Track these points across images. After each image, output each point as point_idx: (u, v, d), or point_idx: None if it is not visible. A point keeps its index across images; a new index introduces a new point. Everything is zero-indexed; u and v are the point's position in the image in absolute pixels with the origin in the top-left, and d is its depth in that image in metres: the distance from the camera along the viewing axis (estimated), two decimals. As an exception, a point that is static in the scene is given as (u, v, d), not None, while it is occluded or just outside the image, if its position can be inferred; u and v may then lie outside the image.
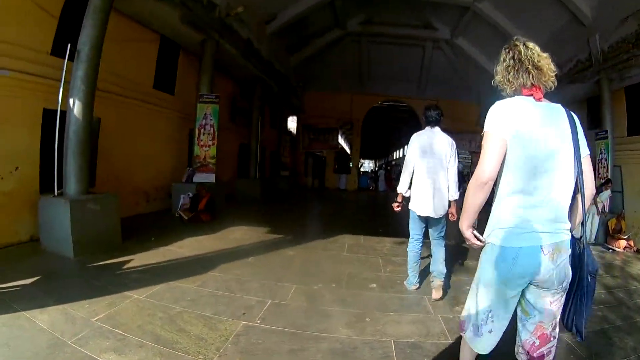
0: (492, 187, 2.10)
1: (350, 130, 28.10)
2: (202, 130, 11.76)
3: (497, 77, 2.33)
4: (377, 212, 15.82)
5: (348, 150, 30.56)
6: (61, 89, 6.56)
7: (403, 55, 23.06)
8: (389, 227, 9.98)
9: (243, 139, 17.81)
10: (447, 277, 5.12)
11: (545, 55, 2.22)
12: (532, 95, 2.15)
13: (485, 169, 2.05)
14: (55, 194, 6.61)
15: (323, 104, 26.66)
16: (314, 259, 6.86)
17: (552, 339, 2.19)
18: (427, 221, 4.77)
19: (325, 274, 5.98)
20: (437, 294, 4.73)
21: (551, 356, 2.21)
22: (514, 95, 2.23)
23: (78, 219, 6.29)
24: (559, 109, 2.18)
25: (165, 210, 11.32)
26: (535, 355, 2.18)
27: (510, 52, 2.26)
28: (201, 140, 11.76)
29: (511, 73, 2.22)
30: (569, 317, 2.19)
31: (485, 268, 2.21)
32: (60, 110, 6.62)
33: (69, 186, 6.69)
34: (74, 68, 6.66)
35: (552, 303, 2.13)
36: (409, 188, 4.76)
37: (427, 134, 4.72)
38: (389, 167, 41.40)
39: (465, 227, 2.20)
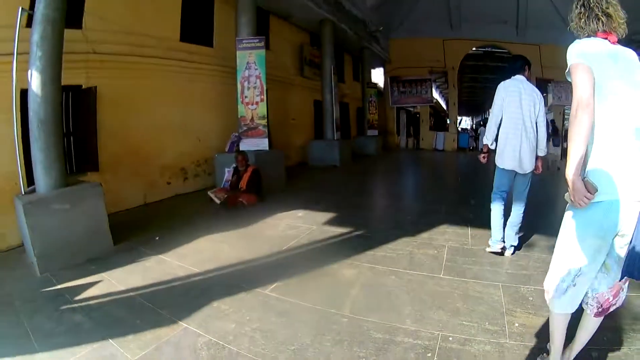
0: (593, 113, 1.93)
1: (444, 81, 24.48)
2: (245, 84, 9.05)
3: (571, 24, 2.32)
4: (485, 179, 11.86)
5: (443, 105, 26.91)
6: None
7: None
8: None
9: (318, 94, 15.09)
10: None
11: (614, 2, 2.18)
12: (606, 38, 2.11)
13: (582, 93, 1.95)
14: (24, 192, 5.10)
15: (411, 52, 22.87)
16: (384, 290, 3.71)
17: (622, 291, 2.19)
18: (512, 177, 4.48)
19: (397, 339, 2.89)
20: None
21: (619, 303, 2.22)
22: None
23: (38, 225, 4.63)
24: (633, 54, 2.11)
25: (209, 188, 8.96)
26: (605, 306, 2.17)
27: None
28: (246, 97, 9.07)
29: (582, 20, 2.22)
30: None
31: (578, 222, 2.05)
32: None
33: (37, 180, 4.99)
34: (31, 32, 4.93)
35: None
36: (495, 140, 4.53)
37: (514, 83, 4.40)
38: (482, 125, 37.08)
39: (573, 172, 1.93)
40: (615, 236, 2.02)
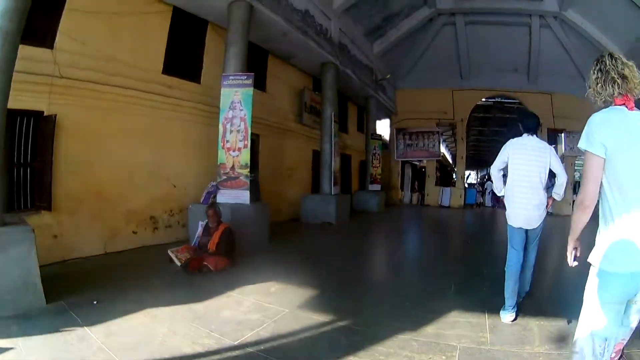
0: (593, 210, 2.18)
1: (451, 134, 23.54)
2: (227, 126, 7.95)
3: (589, 91, 2.36)
4: (497, 242, 10.55)
5: (449, 159, 25.98)
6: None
7: (506, 37, 18.58)
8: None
9: (317, 144, 13.93)
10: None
11: (630, 63, 2.23)
12: (624, 104, 2.17)
13: (585, 195, 2.16)
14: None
15: (418, 103, 22.18)
16: None
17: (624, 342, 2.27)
18: (524, 232, 4.48)
19: None
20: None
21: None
22: (606, 107, 2.25)
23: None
24: None
25: (180, 242, 7.80)
26: (617, 349, 2.23)
27: (598, 64, 2.30)
28: (227, 142, 7.93)
29: (599, 84, 2.26)
30: None
31: (602, 291, 2.14)
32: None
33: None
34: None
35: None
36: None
37: (523, 140, 4.45)
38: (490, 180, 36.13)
39: (571, 240, 2.36)
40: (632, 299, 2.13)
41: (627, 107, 2.13)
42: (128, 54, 7.94)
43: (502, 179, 4.65)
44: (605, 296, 2.11)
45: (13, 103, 5.84)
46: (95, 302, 4.55)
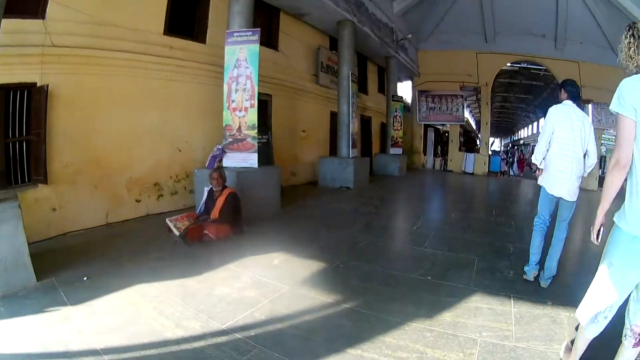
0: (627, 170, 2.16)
1: (475, 99, 22.53)
2: (233, 85, 7.38)
3: (620, 55, 2.33)
4: (524, 214, 9.61)
5: (473, 124, 25.09)
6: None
7: (533, 0, 17.41)
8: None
9: (335, 105, 13.14)
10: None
11: None
12: None
13: (620, 154, 2.14)
14: None
15: (442, 65, 21.11)
16: None
17: None
18: (556, 202, 4.43)
19: None
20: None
21: None
22: (637, 73, 2.21)
23: None
24: None
25: (187, 210, 7.50)
26: None
27: (631, 30, 2.30)
28: (232, 102, 7.38)
29: (632, 49, 2.26)
30: None
31: (619, 255, 2.20)
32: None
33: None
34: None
35: None
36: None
37: (566, 108, 4.34)
38: (517, 147, 35.17)
39: (601, 212, 2.32)
40: None
41: None
42: (126, 16, 7.31)
43: (545, 152, 4.43)
44: (622, 258, 2.17)
45: (5, 77, 5.67)
46: (85, 279, 4.23)
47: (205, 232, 5.77)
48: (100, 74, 6.90)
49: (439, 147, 25.14)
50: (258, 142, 9.73)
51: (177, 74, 8.32)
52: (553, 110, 4.41)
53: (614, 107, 2.21)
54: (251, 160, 7.31)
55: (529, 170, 22.21)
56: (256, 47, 7.29)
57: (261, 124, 10.43)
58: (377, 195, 11.28)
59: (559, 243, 4.38)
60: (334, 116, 13.63)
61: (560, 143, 4.27)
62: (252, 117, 7.27)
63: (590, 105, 18.08)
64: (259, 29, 7.54)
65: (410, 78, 22.25)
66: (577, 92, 4.49)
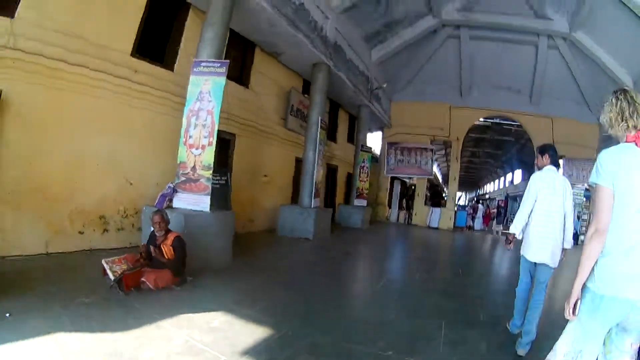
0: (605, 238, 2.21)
1: (443, 153, 22.61)
2: (192, 119, 6.87)
3: (607, 116, 2.37)
4: (496, 274, 9.78)
5: (439, 178, 25.21)
6: None
7: (512, 56, 18.24)
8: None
9: (302, 151, 12.70)
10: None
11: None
12: (634, 142, 2.23)
13: (599, 221, 2.19)
14: None
15: (414, 117, 21.28)
16: None
17: None
18: (536, 266, 4.47)
19: None
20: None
21: None
22: (620, 140, 2.32)
23: None
24: None
25: (132, 248, 6.95)
26: None
27: (623, 94, 2.33)
28: (190, 137, 6.85)
29: (626, 113, 2.29)
30: None
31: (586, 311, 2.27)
32: None
33: None
34: None
35: (632, 345, 2.25)
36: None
37: (552, 175, 4.44)
38: (482, 202, 35.57)
39: (578, 288, 2.28)
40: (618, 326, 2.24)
41: (638, 144, 2.21)
42: (95, 31, 6.93)
43: (526, 221, 4.46)
44: (588, 314, 2.23)
45: None
46: (8, 315, 3.74)
47: (142, 279, 5.11)
48: (56, 88, 6.43)
49: (405, 200, 24.97)
50: (216, 183, 9.18)
51: (138, 100, 7.84)
52: (537, 177, 4.46)
53: (593, 179, 2.27)
54: (203, 203, 6.69)
55: (493, 223, 22.41)
56: (222, 80, 6.82)
57: (222, 163, 9.94)
58: (337, 249, 10.69)
59: (538, 305, 4.34)
60: (299, 162, 13.18)
61: (544, 210, 4.31)
62: (209, 156, 6.70)
63: (562, 161, 18.35)
64: (228, 61, 7.08)
65: (381, 129, 22.21)
66: (557, 158, 4.62)
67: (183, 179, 6.83)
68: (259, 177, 11.87)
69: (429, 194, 25.36)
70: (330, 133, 17.65)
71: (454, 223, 21.70)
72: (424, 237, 17.11)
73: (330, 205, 17.40)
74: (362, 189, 17.59)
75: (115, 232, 7.55)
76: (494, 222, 22.20)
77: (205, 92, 6.85)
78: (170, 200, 6.86)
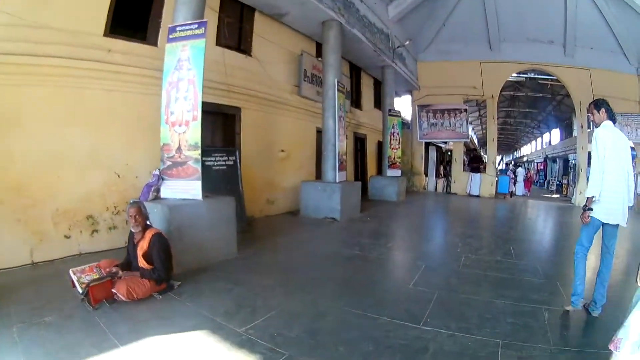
0: None
1: (478, 115, 21.04)
2: (172, 92, 5.87)
3: None
4: (552, 251, 8.18)
5: (475, 142, 23.89)
6: None
7: (541, 3, 16.30)
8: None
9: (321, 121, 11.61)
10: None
11: None
12: None
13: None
14: None
15: (443, 77, 19.72)
16: None
17: None
18: (603, 228, 4.31)
19: None
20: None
21: None
22: None
23: None
24: None
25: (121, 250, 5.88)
26: None
27: None
28: (171, 114, 5.88)
29: None
30: None
31: None
32: None
33: None
34: None
35: None
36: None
37: (612, 130, 4.30)
38: (522, 165, 34.08)
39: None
40: None
41: None
42: (62, 18, 6.25)
43: (601, 182, 4.17)
44: None
45: None
46: None
47: (113, 290, 4.22)
48: (28, 85, 5.90)
49: (442, 167, 23.64)
50: (223, 165, 8.29)
51: (116, 83, 6.99)
52: (602, 133, 4.27)
53: None
54: (193, 190, 5.72)
55: (535, 188, 20.94)
56: (202, 42, 5.74)
57: (228, 142, 9.01)
58: (367, 229, 9.52)
59: (607, 269, 4.27)
60: (320, 133, 11.95)
61: (614, 168, 4.18)
62: (195, 133, 5.68)
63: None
64: (207, 20, 5.99)
65: (410, 92, 20.88)
66: (613, 112, 4.44)
67: (169, 163, 5.87)
68: (275, 153, 10.87)
69: (467, 159, 23.95)
70: (355, 99, 16.61)
71: (496, 189, 20.21)
72: (465, 208, 15.72)
73: (362, 179, 16.35)
74: (394, 158, 16.29)
75: (106, 232, 6.78)
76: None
77: (183, 59, 5.81)
78: (158, 191, 5.92)
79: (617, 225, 4.22)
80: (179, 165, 5.77)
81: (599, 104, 4.45)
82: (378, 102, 18.20)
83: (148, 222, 4.79)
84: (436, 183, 22.17)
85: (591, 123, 15.48)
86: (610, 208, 4.18)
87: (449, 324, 3.94)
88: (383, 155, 16.43)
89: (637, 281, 2.19)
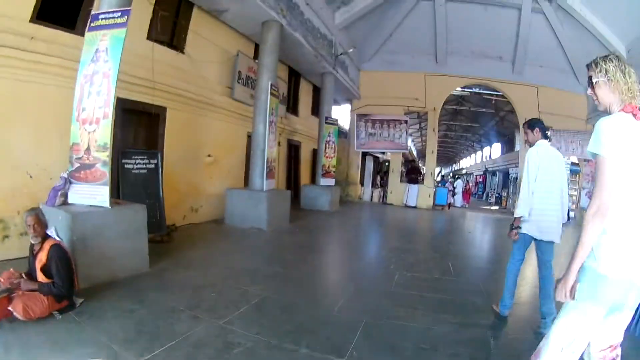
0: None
1: (419, 127, 21.44)
2: (86, 87, 5.43)
3: (611, 76, 2.24)
4: (493, 267, 7.88)
5: (415, 154, 24.37)
6: None
7: (492, 19, 16.68)
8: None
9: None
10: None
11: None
12: (632, 112, 2.17)
13: (606, 198, 2.05)
14: None
15: (386, 87, 19.83)
16: None
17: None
18: (537, 244, 4.52)
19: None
20: None
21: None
22: (612, 108, 2.26)
23: None
24: None
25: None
26: None
27: (616, 61, 2.26)
28: (83, 109, 5.42)
29: (626, 77, 2.22)
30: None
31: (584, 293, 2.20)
32: None
33: None
34: None
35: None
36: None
37: (545, 149, 4.46)
38: (461, 177, 35.35)
39: (574, 271, 2.15)
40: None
41: (634, 115, 2.15)
42: None
43: (532, 201, 4.34)
44: (599, 300, 2.13)
45: None
46: None
47: (9, 308, 3.76)
48: None
49: (379, 178, 23.83)
50: (143, 168, 7.89)
51: (32, 74, 6.40)
52: (534, 153, 4.41)
53: (594, 148, 2.13)
54: (100, 196, 5.29)
55: (474, 199, 21.62)
56: (122, 32, 5.32)
57: (150, 144, 8.58)
58: (294, 242, 9.16)
59: (550, 282, 4.32)
60: (251, 138, 11.66)
61: (545, 186, 4.31)
62: (105, 132, 5.24)
63: (548, 133, 17.70)
64: (130, 8, 5.59)
65: (349, 101, 20.89)
66: (546, 131, 4.63)
67: (77, 165, 5.41)
68: (202, 157, 10.42)
69: (404, 170, 24.27)
70: (292, 106, 16.42)
71: (434, 201, 20.59)
72: (401, 219, 15.77)
73: (294, 187, 16.14)
74: (328, 167, 16.18)
75: (17, 239, 6.19)
76: None
77: (101, 50, 5.38)
78: (65, 195, 5.44)
79: (552, 241, 4.38)
80: (87, 168, 5.32)
81: (532, 123, 4.61)
82: (316, 110, 18.00)
83: (48, 232, 4.37)
84: (372, 193, 22.30)
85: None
86: (542, 226, 4.34)
87: (379, 357, 3.68)
88: (317, 164, 16.27)
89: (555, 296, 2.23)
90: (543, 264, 4.48)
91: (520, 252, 4.58)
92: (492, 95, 22.63)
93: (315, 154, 17.66)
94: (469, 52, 18.91)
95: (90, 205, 5.30)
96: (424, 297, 5.53)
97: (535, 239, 4.47)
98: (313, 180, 17.18)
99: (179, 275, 5.81)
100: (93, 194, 5.31)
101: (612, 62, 2.23)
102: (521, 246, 4.55)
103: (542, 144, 4.48)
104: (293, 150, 16.94)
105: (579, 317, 2.17)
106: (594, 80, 2.30)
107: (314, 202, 15.28)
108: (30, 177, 6.43)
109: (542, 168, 4.32)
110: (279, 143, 14.14)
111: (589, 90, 2.37)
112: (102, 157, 5.25)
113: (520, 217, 4.41)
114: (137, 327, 3.93)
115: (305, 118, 17.68)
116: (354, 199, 21.01)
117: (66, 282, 4.14)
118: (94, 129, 5.27)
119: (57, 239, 4.54)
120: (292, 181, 16.93)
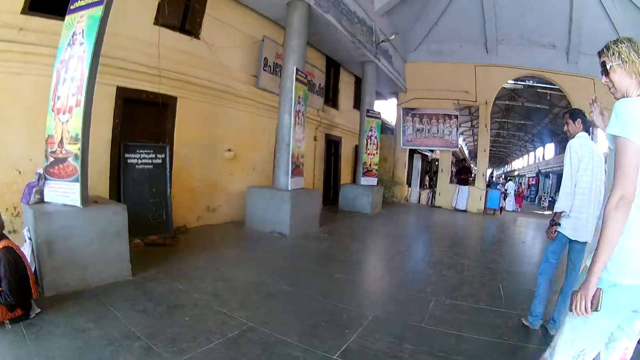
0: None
1: (470, 125, 20.47)
2: (62, 73, 5.13)
3: (622, 56, 2.21)
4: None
5: (466, 152, 23.56)
6: None
7: (544, 1, 15.81)
8: None
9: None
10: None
11: None
12: None
13: (630, 186, 1.95)
14: None
15: (434, 80, 19.18)
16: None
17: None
18: (570, 245, 4.43)
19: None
20: None
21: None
22: (634, 92, 2.22)
23: None
24: None
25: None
26: None
27: (628, 42, 2.22)
28: (58, 98, 5.13)
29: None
30: None
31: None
32: None
33: None
34: None
35: None
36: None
37: (586, 142, 4.32)
38: (512, 179, 34.40)
39: (597, 274, 1.97)
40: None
41: None
42: None
43: (573, 196, 4.24)
44: (609, 310, 2.00)
45: None
46: None
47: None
48: None
49: (427, 178, 23.03)
50: (149, 163, 7.64)
51: (22, 65, 6.33)
52: (576, 145, 4.30)
53: (616, 130, 2.02)
54: (72, 193, 4.95)
55: (526, 203, 20.59)
56: (98, 11, 4.94)
57: (157, 137, 8.32)
58: (318, 251, 8.32)
59: (572, 288, 3.47)
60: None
61: (588, 182, 4.23)
62: (77, 122, 4.89)
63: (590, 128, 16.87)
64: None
65: (395, 94, 20.26)
66: (589, 124, 4.47)
67: (51, 159, 5.11)
68: (221, 152, 10.05)
69: (454, 170, 23.27)
70: (332, 98, 15.99)
71: (485, 204, 19.44)
72: (448, 226, 14.53)
73: (334, 187, 15.74)
74: (370, 165, 15.54)
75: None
76: None
77: (78, 32, 5.07)
78: (40, 193, 5.17)
79: (585, 242, 4.21)
80: (60, 163, 5.01)
81: (574, 113, 4.53)
82: (358, 103, 17.38)
83: (3, 232, 4.10)
84: (419, 194, 21.57)
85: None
86: (578, 224, 4.23)
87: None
88: (358, 161, 15.72)
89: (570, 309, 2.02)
90: (572, 266, 4.38)
91: (555, 255, 4.48)
92: (545, 88, 21.56)
93: (357, 150, 17.09)
94: (520, 40, 17.94)
95: (65, 205, 4.99)
96: (462, 339, 4.28)
97: (570, 240, 4.35)
98: (354, 179, 16.64)
99: (161, 287, 5.26)
100: (66, 192, 4.99)
101: (624, 43, 2.20)
102: (557, 248, 4.46)
103: (583, 136, 4.38)
104: (332, 146, 16.47)
105: (586, 330, 2.07)
106: (607, 66, 2.26)
107: (353, 203, 14.74)
108: (20, 173, 6.34)
109: (585, 162, 4.23)
110: (315, 138, 13.67)
111: (604, 79, 2.33)
112: (74, 150, 4.91)
113: (562, 212, 4.29)
114: (77, 353, 3.46)
115: (347, 111, 17.19)
116: (400, 200, 20.37)
117: (15, 289, 3.81)
118: (67, 118, 4.94)
119: (27, 240, 4.48)
120: (332, 180, 16.50)
